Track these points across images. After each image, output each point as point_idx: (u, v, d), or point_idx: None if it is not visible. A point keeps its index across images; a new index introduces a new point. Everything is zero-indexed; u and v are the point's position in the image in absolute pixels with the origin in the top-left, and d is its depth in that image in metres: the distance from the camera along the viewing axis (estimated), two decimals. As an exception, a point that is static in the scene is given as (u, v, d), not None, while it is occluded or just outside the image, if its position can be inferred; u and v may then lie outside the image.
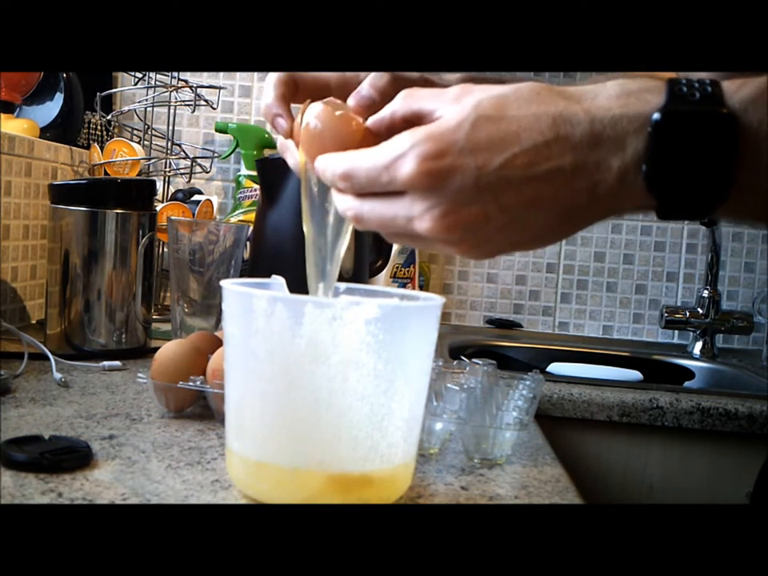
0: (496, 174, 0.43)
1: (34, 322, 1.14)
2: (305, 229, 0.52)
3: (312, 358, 0.47)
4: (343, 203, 0.47)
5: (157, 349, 0.72)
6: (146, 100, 1.33)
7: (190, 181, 1.35)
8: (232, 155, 1.48)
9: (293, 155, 0.53)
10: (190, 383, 0.68)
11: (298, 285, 0.56)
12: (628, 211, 0.46)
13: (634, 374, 1.32)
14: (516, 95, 0.44)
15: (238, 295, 0.51)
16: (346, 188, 0.47)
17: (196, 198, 1.34)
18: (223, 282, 0.52)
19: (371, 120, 0.49)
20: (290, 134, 0.53)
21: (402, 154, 0.44)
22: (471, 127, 0.43)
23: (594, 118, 0.43)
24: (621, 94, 0.44)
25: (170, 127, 1.33)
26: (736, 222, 0.54)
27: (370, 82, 0.52)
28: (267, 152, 1.46)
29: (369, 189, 0.46)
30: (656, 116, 0.42)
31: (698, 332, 1.43)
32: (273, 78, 0.55)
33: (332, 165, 0.47)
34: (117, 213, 0.93)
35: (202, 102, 1.29)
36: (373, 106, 0.51)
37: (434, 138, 0.43)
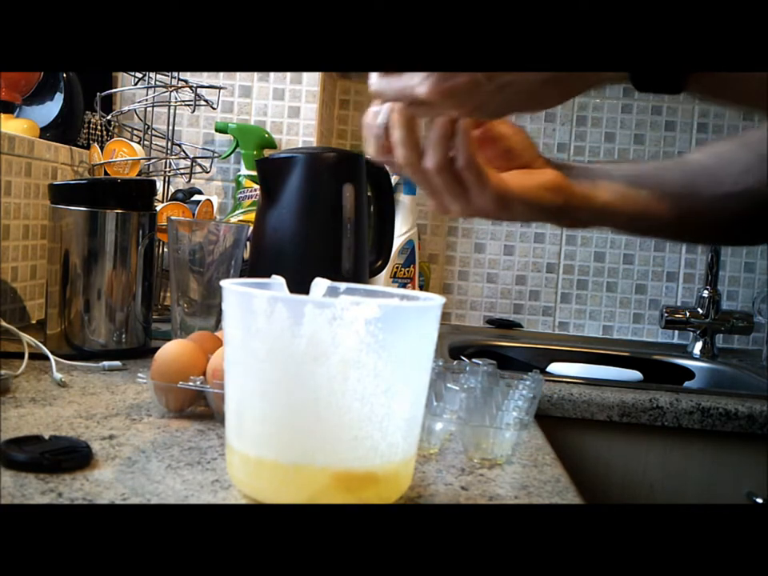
0: None
1: (34, 322, 1.14)
2: None
3: (312, 358, 0.47)
4: (373, 85, 0.54)
5: (157, 349, 0.72)
6: (146, 100, 1.33)
7: (189, 181, 1.35)
8: (232, 155, 1.48)
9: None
10: (190, 383, 0.68)
11: (298, 285, 0.56)
12: (610, 77, 0.50)
13: (634, 374, 1.32)
14: None
15: (238, 295, 0.51)
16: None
17: (196, 198, 1.34)
18: (223, 282, 0.52)
19: None
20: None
21: None
22: None
23: None
24: None
25: (170, 127, 1.33)
26: (713, 103, 0.60)
27: None
28: (267, 152, 1.46)
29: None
30: None
31: (697, 332, 1.44)
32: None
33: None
34: (117, 213, 0.93)
35: (202, 102, 1.29)
36: None
37: None
